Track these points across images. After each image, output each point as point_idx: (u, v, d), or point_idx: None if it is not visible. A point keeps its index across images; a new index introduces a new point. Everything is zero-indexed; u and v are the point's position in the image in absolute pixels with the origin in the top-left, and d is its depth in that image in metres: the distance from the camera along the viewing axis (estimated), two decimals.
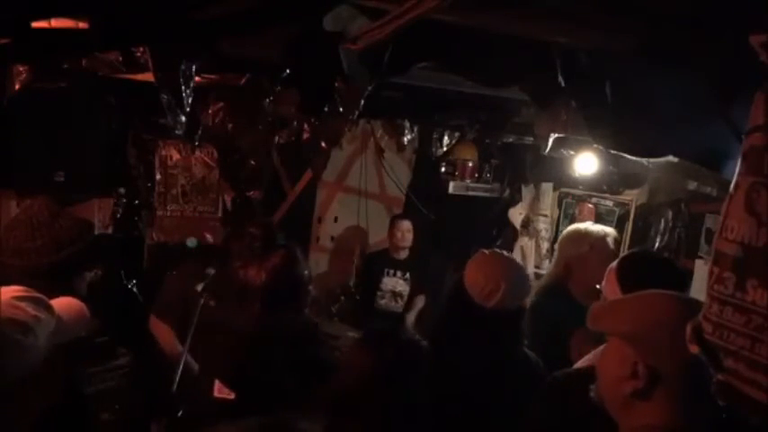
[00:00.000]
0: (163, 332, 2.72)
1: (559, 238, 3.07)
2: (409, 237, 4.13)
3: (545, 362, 2.17)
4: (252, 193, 3.95)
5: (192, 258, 3.19)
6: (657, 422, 1.13)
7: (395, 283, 4.18)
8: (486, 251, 2.13)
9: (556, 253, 2.98)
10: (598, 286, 2.01)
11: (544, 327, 2.48)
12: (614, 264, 1.96)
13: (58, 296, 1.30)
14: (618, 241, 2.97)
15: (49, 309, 1.24)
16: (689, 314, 1.17)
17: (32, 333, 1.17)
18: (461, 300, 2.02)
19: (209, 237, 3.75)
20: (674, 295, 1.24)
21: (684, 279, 1.96)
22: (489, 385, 1.89)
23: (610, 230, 2.85)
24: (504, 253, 2.11)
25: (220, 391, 1.94)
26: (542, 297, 2.72)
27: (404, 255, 4.18)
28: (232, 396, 1.93)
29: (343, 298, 4.25)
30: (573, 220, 4.15)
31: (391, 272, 4.18)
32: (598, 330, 1.32)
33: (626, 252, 2.22)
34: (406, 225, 4.13)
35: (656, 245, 3.46)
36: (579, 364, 1.88)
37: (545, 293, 2.76)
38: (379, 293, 4.16)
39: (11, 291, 1.22)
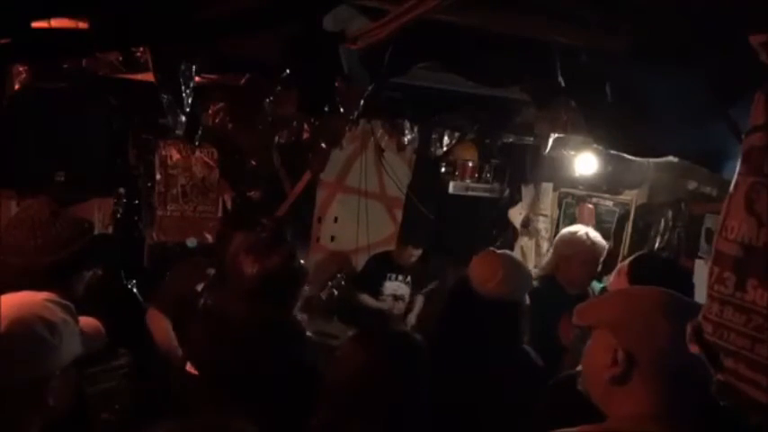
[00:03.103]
0: (161, 325, 2.69)
1: (558, 234, 3.31)
2: (417, 258, 4.18)
3: (540, 343, 2.29)
4: (252, 193, 3.95)
5: (193, 258, 3.18)
6: (639, 410, 1.14)
7: (396, 287, 4.18)
8: (493, 249, 2.22)
9: (552, 248, 3.24)
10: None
11: (535, 309, 2.72)
12: (625, 264, 2.03)
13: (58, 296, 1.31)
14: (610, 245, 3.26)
15: (75, 317, 1.27)
16: (672, 305, 1.19)
17: (59, 334, 1.19)
18: (463, 290, 2.07)
19: (209, 237, 3.74)
20: (658, 288, 1.24)
21: (691, 281, 2.00)
22: (486, 379, 1.89)
23: (599, 242, 3.04)
24: (510, 252, 2.23)
25: (191, 367, 1.97)
26: (537, 283, 3.02)
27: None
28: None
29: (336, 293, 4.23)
30: (573, 220, 4.15)
31: (393, 276, 4.18)
32: (584, 325, 1.33)
33: (637, 253, 2.31)
34: (418, 252, 4.16)
35: (656, 245, 3.46)
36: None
37: (540, 281, 3.06)
38: (381, 298, 4.16)
39: (43, 294, 1.25)
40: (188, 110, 2.59)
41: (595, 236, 3.03)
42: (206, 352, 1.96)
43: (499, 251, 2.20)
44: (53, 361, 1.18)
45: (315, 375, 1.84)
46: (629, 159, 2.85)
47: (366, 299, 4.11)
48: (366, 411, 1.45)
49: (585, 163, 3.75)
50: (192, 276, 2.71)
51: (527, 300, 2.10)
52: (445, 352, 1.88)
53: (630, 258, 2.07)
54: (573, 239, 3.01)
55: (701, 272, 2.79)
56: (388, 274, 4.17)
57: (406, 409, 1.48)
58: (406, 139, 4.47)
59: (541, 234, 4.37)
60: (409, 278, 4.18)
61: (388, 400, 1.47)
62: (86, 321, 1.32)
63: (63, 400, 1.23)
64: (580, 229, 3.11)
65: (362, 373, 1.50)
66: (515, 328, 2.07)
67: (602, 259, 3.02)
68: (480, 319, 2.00)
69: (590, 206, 4.03)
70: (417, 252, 4.14)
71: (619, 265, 2.16)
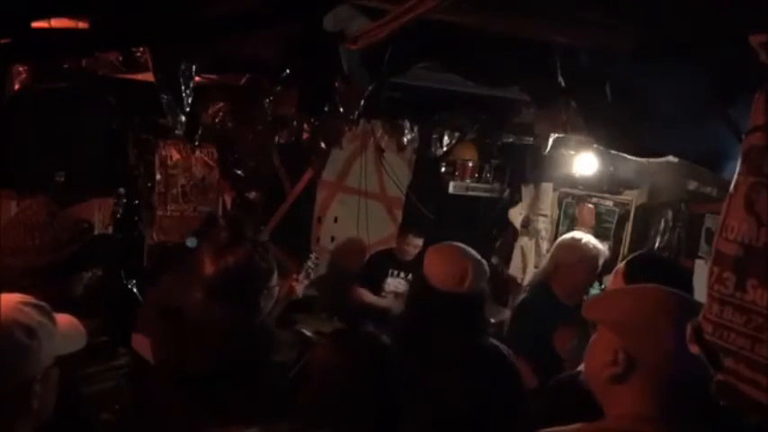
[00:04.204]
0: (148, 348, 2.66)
1: (557, 240, 3.17)
2: (418, 250, 4.12)
3: (532, 354, 2.30)
4: (252, 193, 3.95)
5: (184, 262, 3.14)
6: (636, 410, 1.16)
7: (397, 284, 4.18)
8: (440, 244, 2.13)
9: (550, 253, 3.11)
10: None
11: (531, 320, 2.78)
12: (622, 264, 2.00)
13: (55, 296, 1.30)
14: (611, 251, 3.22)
15: (52, 318, 1.24)
16: (676, 307, 1.20)
17: (37, 338, 1.17)
18: (426, 291, 2.01)
19: None
20: (665, 289, 1.25)
21: (690, 281, 1.99)
22: (456, 376, 1.87)
23: (602, 249, 2.97)
24: (456, 243, 2.11)
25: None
26: (531, 293, 3.03)
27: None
28: None
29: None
30: (573, 220, 4.15)
31: (395, 272, 4.18)
32: (590, 319, 1.35)
33: (634, 254, 2.27)
34: (419, 242, 4.10)
35: (656, 245, 3.46)
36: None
37: (534, 289, 3.03)
38: (382, 294, 4.16)
39: (16, 296, 1.22)
40: (188, 110, 2.59)
41: (597, 243, 2.96)
42: (161, 347, 1.99)
43: (453, 244, 2.09)
44: (34, 365, 1.16)
45: (277, 372, 1.84)
46: (629, 159, 2.85)
47: (366, 296, 4.10)
48: (346, 413, 1.45)
49: (585, 163, 3.75)
50: (185, 282, 2.68)
51: (487, 288, 2.07)
52: (418, 353, 1.84)
53: (627, 259, 2.05)
54: (577, 246, 2.89)
55: (701, 272, 2.80)
56: (390, 271, 4.18)
57: (382, 410, 1.47)
58: (405, 139, 4.47)
59: (541, 234, 4.37)
60: (410, 275, 4.18)
61: (362, 401, 1.46)
62: (64, 320, 1.29)
63: (47, 402, 1.21)
64: (583, 236, 3.01)
65: (328, 377, 1.50)
66: (482, 320, 2.06)
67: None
68: (447, 317, 1.95)
69: (590, 206, 4.04)
70: (418, 241, 4.09)
71: (617, 266, 2.15)
